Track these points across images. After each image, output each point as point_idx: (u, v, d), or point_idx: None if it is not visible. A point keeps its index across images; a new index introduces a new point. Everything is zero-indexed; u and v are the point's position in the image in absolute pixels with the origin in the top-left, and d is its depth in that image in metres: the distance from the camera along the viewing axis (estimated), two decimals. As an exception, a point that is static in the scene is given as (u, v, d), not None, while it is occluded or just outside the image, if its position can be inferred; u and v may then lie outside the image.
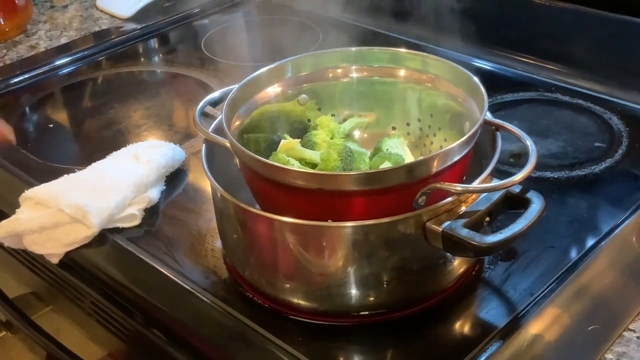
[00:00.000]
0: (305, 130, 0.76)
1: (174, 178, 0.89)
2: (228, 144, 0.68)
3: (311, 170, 0.69)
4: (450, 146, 0.63)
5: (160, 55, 1.28)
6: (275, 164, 0.65)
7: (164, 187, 0.87)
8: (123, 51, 1.25)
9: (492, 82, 1.01)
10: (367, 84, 0.77)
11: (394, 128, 0.76)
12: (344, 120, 0.77)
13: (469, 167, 0.68)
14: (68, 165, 0.90)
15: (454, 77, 0.74)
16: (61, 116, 1.11)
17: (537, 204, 0.65)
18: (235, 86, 0.74)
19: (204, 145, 0.73)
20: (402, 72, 0.74)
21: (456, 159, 0.64)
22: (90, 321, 0.81)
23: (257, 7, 1.38)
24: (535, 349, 0.64)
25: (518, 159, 0.86)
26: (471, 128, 0.65)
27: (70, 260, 0.79)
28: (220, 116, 0.70)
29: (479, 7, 1.14)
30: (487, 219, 0.66)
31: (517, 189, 0.66)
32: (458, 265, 0.69)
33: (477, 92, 0.70)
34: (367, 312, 0.68)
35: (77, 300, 0.82)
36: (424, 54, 0.77)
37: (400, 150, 0.70)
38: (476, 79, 0.72)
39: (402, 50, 0.79)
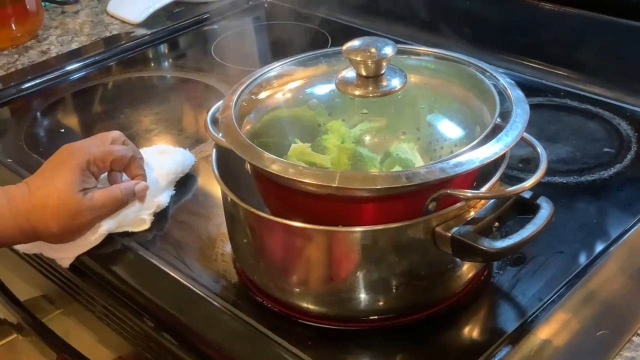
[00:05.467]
0: (316, 135, 0.76)
1: (184, 183, 0.89)
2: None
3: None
4: (460, 151, 0.63)
5: (170, 61, 1.29)
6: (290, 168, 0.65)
7: (174, 192, 0.87)
8: (133, 56, 1.26)
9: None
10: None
11: (404, 133, 0.76)
12: (355, 125, 0.78)
13: (479, 173, 0.68)
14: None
15: (465, 81, 0.74)
16: (72, 121, 1.11)
17: (546, 209, 0.65)
18: (245, 90, 0.75)
19: (214, 150, 0.73)
20: (412, 76, 0.74)
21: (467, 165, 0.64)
22: (100, 324, 0.81)
23: (266, 12, 1.39)
24: (544, 354, 0.65)
25: (527, 164, 0.86)
26: (482, 133, 0.65)
27: (81, 264, 0.80)
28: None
29: (487, 13, 1.14)
30: (496, 224, 0.66)
31: (526, 195, 0.66)
32: (467, 270, 0.69)
33: (489, 97, 0.70)
34: (376, 317, 0.68)
35: (88, 304, 0.82)
36: (435, 58, 0.78)
37: (410, 155, 0.71)
38: (488, 83, 0.72)
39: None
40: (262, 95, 0.76)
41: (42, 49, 1.28)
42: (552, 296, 0.69)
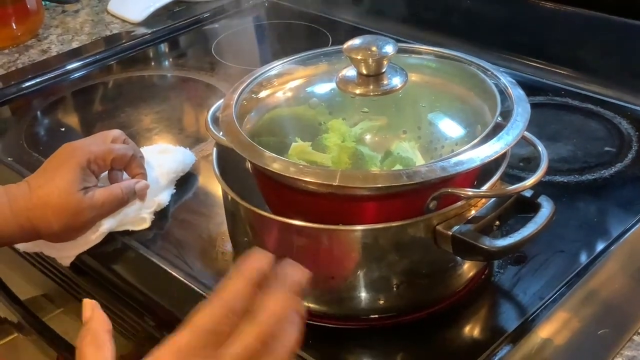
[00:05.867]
0: (317, 134, 0.76)
1: (184, 182, 0.89)
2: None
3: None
4: (461, 150, 0.63)
5: (171, 60, 1.29)
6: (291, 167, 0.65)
7: (174, 191, 0.87)
8: (134, 55, 1.26)
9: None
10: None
11: (405, 132, 0.76)
12: (355, 124, 0.78)
13: (479, 171, 0.68)
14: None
15: (466, 80, 0.74)
16: (72, 120, 1.11)
17: (546, 208, 0.65)
18: (246, 89, 0.75)
19: (214, 149, 0.73)
20: (413, 75, 0.74)
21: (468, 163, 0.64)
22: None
23: (266, 11, 1.39)
24: (545, 352, 0.65)
25: (528, 163, 0.86)
26: (483, 132, 0.65)
27: (81, 263, 0.80)
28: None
29: (488, 12, 1.14)
30: (497, 222, 0.66)
31: (527, 194, 0.66)
32: (467, 269, 0.69)
33: (489, 96, 0.70)
34: (377, 316, 0.68)
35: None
36: (436, 57, 0.78)
37: (411, 154, 0.71)
38: (489, 82, 0.72)
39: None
40: (263, 94, 0.76)
41: (43, 48, 1.28)
42: (553, 295, 0.69)
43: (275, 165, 0.63)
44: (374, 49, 0.69)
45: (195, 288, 0.73)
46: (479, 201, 0.66)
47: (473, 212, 0.65)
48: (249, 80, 0.76)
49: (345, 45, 0.71)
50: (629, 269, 0.74)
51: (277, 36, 1.30)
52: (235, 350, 0.48)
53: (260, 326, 0.49)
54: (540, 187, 0.65)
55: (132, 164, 0.81)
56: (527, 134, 0.68)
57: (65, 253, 0.80)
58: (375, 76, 0.70)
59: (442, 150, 0.71)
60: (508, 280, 0.72)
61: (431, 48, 0.79)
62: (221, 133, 0.70)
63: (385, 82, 0.70)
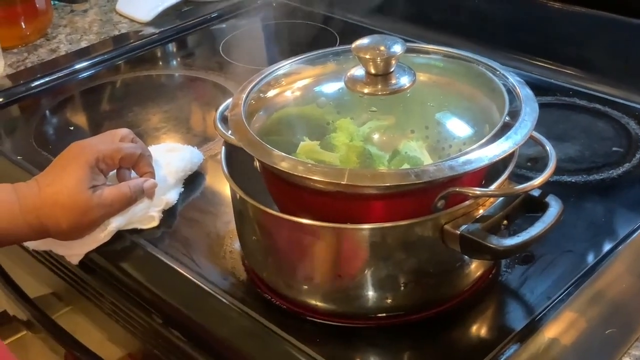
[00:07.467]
0: (324, 133, 0.77)
1: (192, 180, 0.89)
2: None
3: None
4: (469, 149, 0.63)
5: (179, 59, 1.29)
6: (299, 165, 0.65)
7: (182, 189, 0.87)
8: (142, 55, 1.26)
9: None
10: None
11: (412, 131, 0.76)
12: (363, 123, 0.78)
13: (487, 171, 0.68)
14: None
15: (474, 80, 0.74)
16: (81, 119, 1.12)
17: (554, 207, 0.65)
18: (254, 88, 0.75)
19: (223, 147, 0.74)
20: (421, 75, 0.74)
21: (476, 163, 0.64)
22: (109, 321, 0.82)
23: (274, 11, 1.39)
24: (552, 352, 0.65)
25: (535, 163, 0.86)
26: (490, 131, 0.65)
27: (90, 261, 0.80)
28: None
29: (496, 12, 1.14)
30: (505, 222, 0.66)
31: (535, 193, 0.66)
32: (475, 268, 0.69)
33: (498, 95, 0.70)
34: (384, 314, 0.69)
35: (97, 301, 0.83)
36: (444, 56, 0.78)
37: (418, 153, 0.71)
38: (497, 82, 0.72)
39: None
40: (271, 93, 0.76)
41: (51, 47, 1.29)
42: (560, 295, 0.69)
43: (284, 164, 0.63)
44: (382, 48, 0.69)
45: (203, 286, 0.73)
46: (486, 200, 0.66)
47: (481, 212, 0.65)
48: (257, 80, 0.76)
49: (353, 45, 0.71)
50: (636, 269, 0.74)
51: (285, 36, 1.30)
52: None
53: None
54: (548, 187, 0.65)
55: (140, 163, 0.82)
56: (535, 133, 0.68)
57: (74, 251, 0.80)
58: (383, 75, 0.70)
59: (450, 149, 0.71)
60: (515, 280, 0.72)
61: (439, 48, 0.79)
62: (230, 132, 0.70)
63: (393, 81, 0.71)
